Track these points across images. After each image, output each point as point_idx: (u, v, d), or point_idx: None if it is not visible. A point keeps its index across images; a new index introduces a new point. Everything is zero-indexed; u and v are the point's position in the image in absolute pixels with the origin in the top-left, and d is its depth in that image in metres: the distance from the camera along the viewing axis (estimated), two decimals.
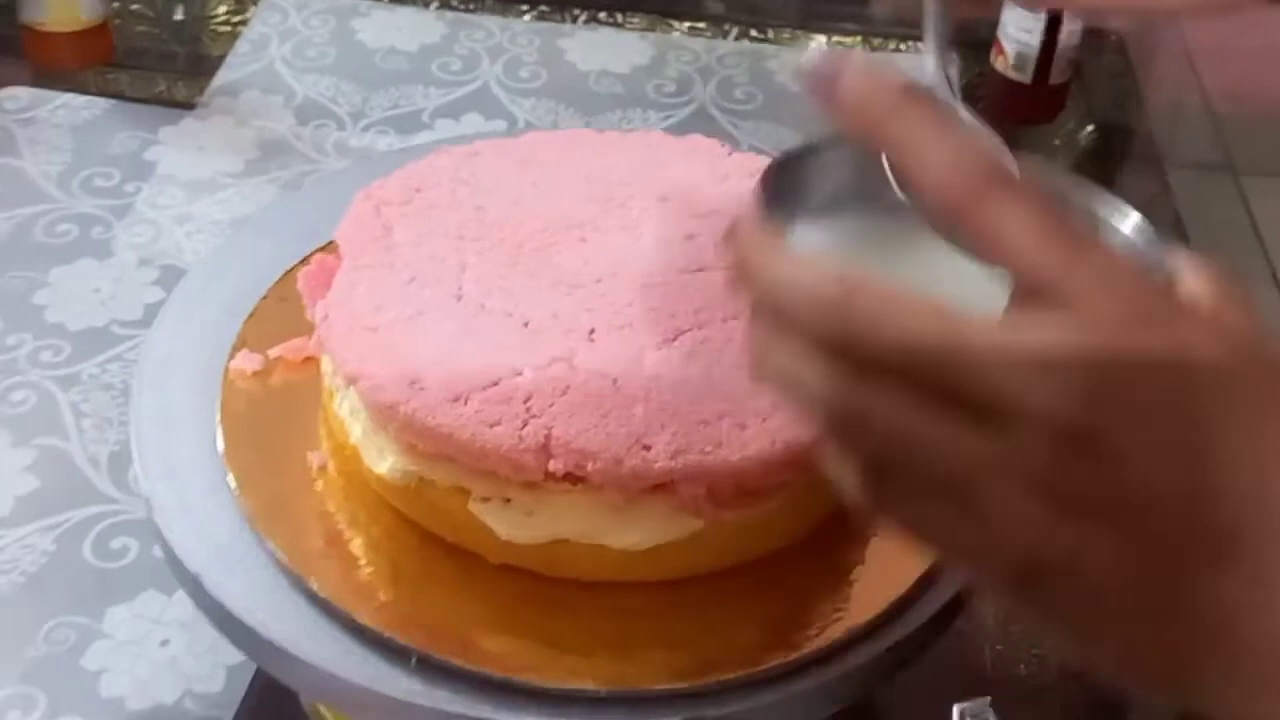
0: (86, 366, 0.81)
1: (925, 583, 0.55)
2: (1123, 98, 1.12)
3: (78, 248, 0.89)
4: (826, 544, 0.56)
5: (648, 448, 0.52)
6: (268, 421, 0.60)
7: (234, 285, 0.65)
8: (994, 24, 1.04)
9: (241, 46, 1.07)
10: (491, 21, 1.11)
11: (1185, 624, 0.36)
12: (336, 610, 0.53)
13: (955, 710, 0.52)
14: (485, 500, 0.53)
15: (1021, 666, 0.72)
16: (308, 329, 0.59)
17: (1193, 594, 0.36)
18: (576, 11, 1.13)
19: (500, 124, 1.01)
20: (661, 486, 0.52)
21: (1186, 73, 1.24)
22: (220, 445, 0.58)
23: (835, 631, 0.53)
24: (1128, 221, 0.43)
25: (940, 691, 0.53)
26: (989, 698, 0.52)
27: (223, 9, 1.11)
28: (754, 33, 1.12)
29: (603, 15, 1.13)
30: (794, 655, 0.53)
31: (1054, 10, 0.98)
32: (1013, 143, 0.46)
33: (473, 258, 0.58)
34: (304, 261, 0.62)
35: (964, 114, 0.47)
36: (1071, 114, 1.08)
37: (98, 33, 1.03)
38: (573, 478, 0.52)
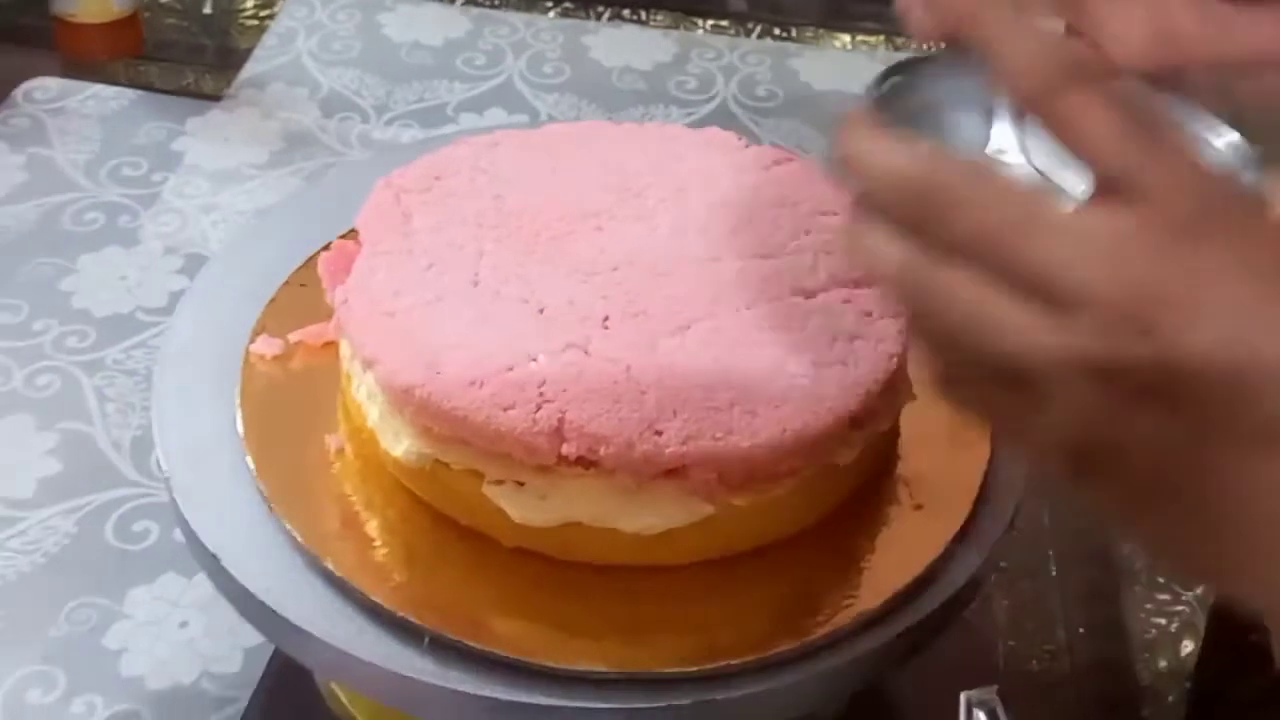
0: (111, 352, 0.82)
1: (935, 570, 0.55)
2: None
3: (105, 236, 0.90)
4: (837, 530, 0.57)
5: (659, 433, 0.52)
6: (287, 405, 0.60)
7: (255, 271, 0.65)
8: None
9: (269, 40, 1.08)
10: (516, 18, 1.12)
11: (1233, 508, 0.37)
12: (352, 590, 0.54)
13: (963, 698, 0.53)
14: (499, 483, 0.54)
15: (1034, 662, 0.73)
16: (327, 314, 0.60)
17: (1242, 479, 0.37)
18: (600, 8, 1.13)
19: (523, 118, 1.01)
20: (673, 472, 0.53)
21: None
22: (240, 428, 0.59)
23: (845, 618, 0.54)
24: (1225, 140, 0.43)
25: (952, 687, 0.53)
26: (995, 686, 0.53)
27: (251, 3, 1.12)
28: (777, 31, 1.13)
29: (626, 12, 1.13)
30: (803, 641, 0.53)
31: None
32: None
33: (490, 245, 0.59)
34: (325, 248, 0.63)
35: None
36: None
37: (128, 25, 1.05)
38: (585, 462, 0.52)
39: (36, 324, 0.83)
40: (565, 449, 0.52)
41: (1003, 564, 0.74)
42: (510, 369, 0.53)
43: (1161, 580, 0.75)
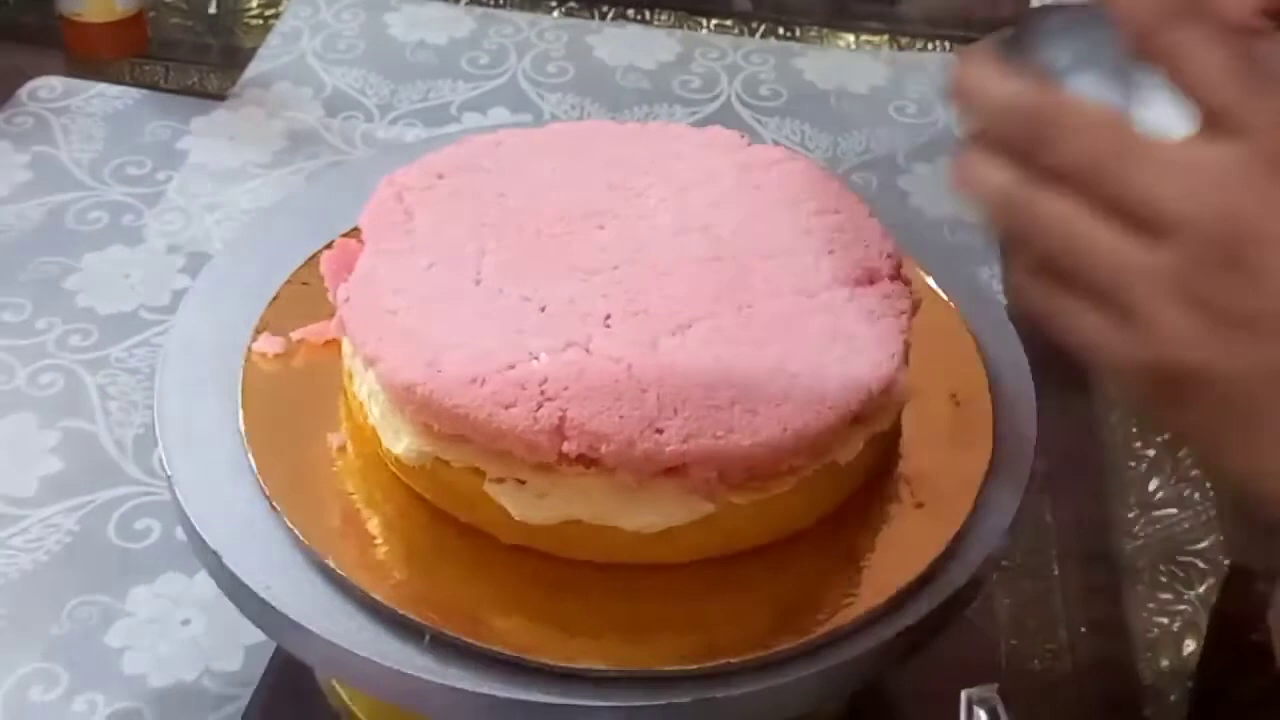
0: (114, 350, 0.82)
1: (936, 568, 0.55)
2: None
3: (109, 234, 0.90)
4: (838, 529, 0.57)
5: (660, 431, 0.52)
6: (289, 403, 0.60)
7: (258, 269, 0.65)
8: None
9: (273, 39, 1.08)
10: (520, 17, 1.12)
11: None
12: (352, 587, 0.54)
13: (964, 697, 0.53)
14: (500, 481, 0.54)
15: (1035, 661, 0.72)
16: (329, 312, 0.60)
17: None
18: (604, 8, 1.14)
19: (527, 118, 1.01)
20: (673, 470, 0.53)
21: None
22: (242, 425, 0.59)
23: (846, 616, 0.54)
24: None
25: (953, 686, 0.53)
26: (997, 685, 0.53)
27: (255, 2, 1.13)
28: (781, 30, 1.13)
29: (630, 12, 1.13)
30: (804, 639, 0.53)
31: None
32: None
33: (492, 243, 0.59)
34: (327, 246, 0.63)
35: None
36: None
37: (133, 24, 1.05)
38: (586, 460, 0.52)
39: (40, 322, 0.84)
40: (566, 447, 0.52)
41: (1004, 563, 0.74)
42: (511, 367, 0.54)
43: (1164, 579, 0.75)
